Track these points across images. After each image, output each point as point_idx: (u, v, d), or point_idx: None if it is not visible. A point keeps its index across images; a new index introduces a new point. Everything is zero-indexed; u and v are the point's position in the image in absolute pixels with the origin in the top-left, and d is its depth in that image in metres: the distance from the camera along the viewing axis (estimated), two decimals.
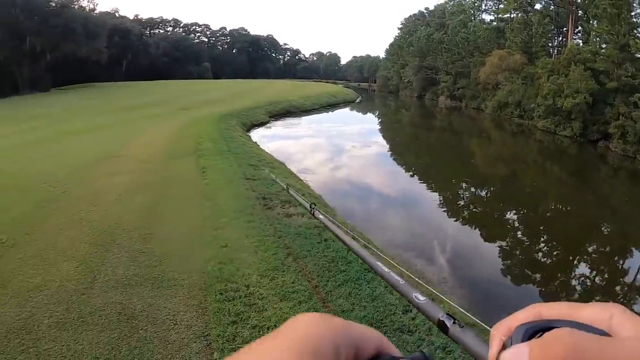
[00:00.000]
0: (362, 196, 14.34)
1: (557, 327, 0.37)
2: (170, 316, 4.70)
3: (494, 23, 52.42)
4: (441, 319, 0.85)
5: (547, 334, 0.36)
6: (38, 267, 5.88)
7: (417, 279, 6.03)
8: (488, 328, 0.46)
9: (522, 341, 0.39)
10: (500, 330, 0.43)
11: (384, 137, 30.56)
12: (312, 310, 3.99)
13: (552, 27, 40.45)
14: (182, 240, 6.75)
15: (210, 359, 4.06)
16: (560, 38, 42.05)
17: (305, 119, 35.26)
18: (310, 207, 2.19)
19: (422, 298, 0.94)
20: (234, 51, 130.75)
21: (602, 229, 13.10)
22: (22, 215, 7.96)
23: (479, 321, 1.08)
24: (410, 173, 18.94)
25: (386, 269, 1.14)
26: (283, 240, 6.83)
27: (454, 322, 0.82)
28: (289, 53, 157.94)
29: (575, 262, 10.23)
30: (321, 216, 2.04)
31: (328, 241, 6.99)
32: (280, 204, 8.74)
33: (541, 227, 12.45)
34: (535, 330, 0.39)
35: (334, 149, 22.71)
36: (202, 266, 5.80)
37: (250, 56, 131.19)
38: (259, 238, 6.80)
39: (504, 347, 0.41)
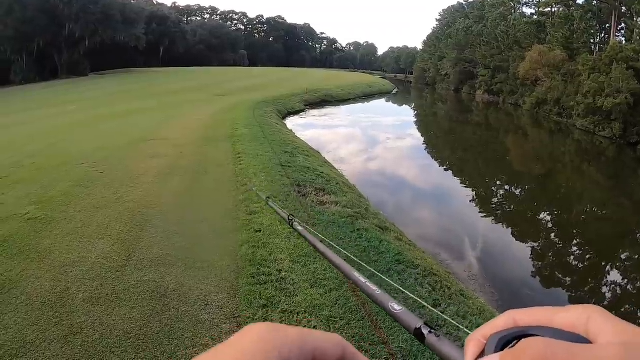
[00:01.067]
0: (395, 188, 14.24)
1: (531, 335, 0.38)
2: (201, 296, 4.71)
3: (535, 17, 50.47)
4: (417, 327, 0.81)
5: (518, 344, 0.36)
6: (74, 243, 5.97)
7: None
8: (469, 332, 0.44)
9: (496, 351, 0.38)
10: (474, 339, 0.43)
11: (419, 130, 30.24)
12: (342, 299, 3.96)
13: (595, 23, 38.87)
14: (216, 223, 6.77)
15: None
16: (603, 35, 40.17)
17: (341, 108, 35.12)
18: (289, 218, 2.18)
19: (398, 307, 0.92)
20: (270, 39, 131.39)
21: (638, 235, 12.68)
22: (61, 193, 8.10)
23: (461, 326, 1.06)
24: (444, 167, 18.72)
25: (362, 279, 1.11)
26: (316, 227, 6.79)
27: (430, 331, 0.79)
28: (325, 42, 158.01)
29: (607, 268, 9.93)
30: (300, 227, 2.02)
31: (361, 231, 6.94)
32: (315, 192, 8.70)
33: (574, 230, 12.14)
34: (508, 340, 0.39)
35: (369, 140, 22.60)
36: (235, 249, 5.80)
37: (286, 45, 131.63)
38: None
39: (481, 355, 0.41)
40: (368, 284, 1.09)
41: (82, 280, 4.96)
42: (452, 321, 1.31)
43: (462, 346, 0.47)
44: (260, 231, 6.37)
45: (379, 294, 1.03)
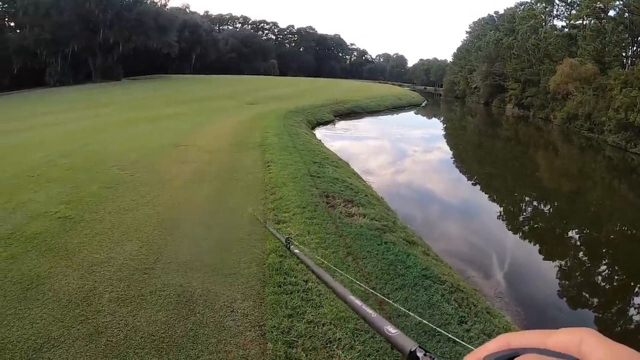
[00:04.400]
0: (422, 202, 14.10)
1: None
2: (227, 303, 4.68)
3: (566, 29, 49.61)
4: (412, 350, 0.78)
5: None
6: (103, 244, 6.01)
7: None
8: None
9: None
10: None
11: (447, 143, 29.95)
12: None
13: (627, 36, 37.67)
14: (244, 230, 6.74)
15: (264, 349, 4.00)
16: (635, 48, 39.17)
17: (370, 119, 35.03)
18: (286, 241, 2.16)
19: (393, 331, 0.91)
20: (300, 49, 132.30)
21: None
22: (91, 194, 8.18)
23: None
24: (472, 182, 18.48)
25: (358, 302, 1.10)
26: (344, 239, 6.72)
27: (425, 354, 0.77)
28: (355, 53, 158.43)
29: (637, 289, 9.65)
30: (297, 250, 2.00)
31: (388, 244, 6.84)
32: (343, 203, 8.63)
33: (603, 250, 11.81)
34: None
35: (397, 152, 22.48)
36: (262, 258, 5.76)
37: (317, 55, 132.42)
38: (320, 235, 6.71)
39: None
40: (364, 307, 1.08)
41: (109, 281, 4.97)
42: (450, 335, 1.28)
43: None
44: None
45: (375, 317, 1.02)
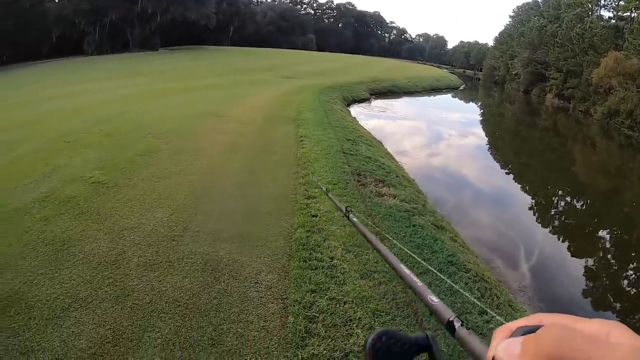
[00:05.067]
0: (454, 187, 13.90)
1: None
2: (252, 274, 4.72)
3: (613, 21, 47.18)
4: (450, 319, 0.80)
5: (540, 329, 0.38)
6: (134, 210, 6.11)
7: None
8: None
9: None
10: (502, 330, 0.45)
11: (483, 129, 29.33)
12: (390, 294, 3.88)
13: None
14: (274, 204, 6.76)
15: (285, 322, 4.03)
16: None
17: (407, 100, 34.57)
18: (346, 209, 2.15)
19: (435, 300, 0.93)
20: (339, 25, 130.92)
21: None
22: (125, 161, 8.30)
23: None
24: (506, 170, 18.12)
25: (407, 271, 1.10)
26: (372, 218, 6.69)
27: (461, 325, 0.76)
28: (394, 32, 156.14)
29: None
30: (355, 219, 1.99)
31: (416, 227, 6.78)
32: (374, 182, 8.57)
33: (634, 253, 11.50)
34: (532, 330, 0.40)
35: (432, 135, 22.18)
36: (290, 232, 5.79)
37: (355, 31, 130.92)
38: None
39: None
40: (412, 275, 1.09)
41: (139, 246, 5.07)
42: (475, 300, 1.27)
43: (489, 343, 0.48)
44: (316, 216, 6.33)
45: (420, 286, 1.03)
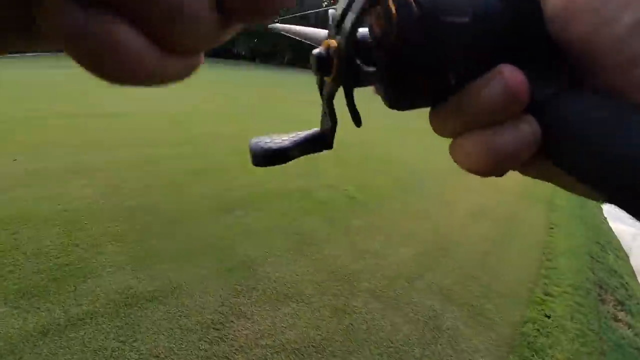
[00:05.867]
0: None
1: None
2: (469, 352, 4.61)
3: None
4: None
5: None
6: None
7: None
8: None
9: None
10: None
11: None
12: None
13: None
14: (509, 286, 6.53)
15: None
16: None
17: None
18: None
19: None
20: None
21: None
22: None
23: None
24: None
25: None
26: (601, 343, 6.06)
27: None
28: None
29: None
30: None
31: None
32: (613, 302, 7.74)
33: None
34: None
35: None
36: (518, 322, 5.52)
37: None
38: (581, 327, 6.15)
39: None
40: None
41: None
42: None
43: None
44: (549, 317, 5.92)
45: None
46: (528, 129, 0.33)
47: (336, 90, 0.39)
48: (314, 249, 5.28)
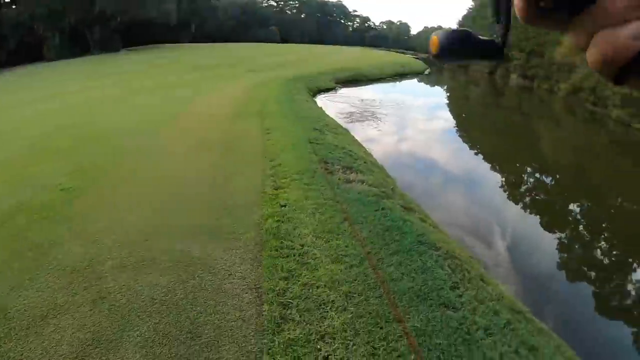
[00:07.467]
0: (423, 170, 14.04)
1: None
2: (225, 267, 4.82)
3: None
4: None
5: None
6: (104, 214, 6.14)
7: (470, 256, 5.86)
8: None
9: None
10: None
11: (450, 112, 29.67)
12: (362, 276, 4.03)
13: None
14: (243, 196, 6.84)
15: (260, 310, 4.14)
16: None
17: (372, 87, 34.59)
18: None
19: None
20: (302, 16, 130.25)
21: None
22: (92, 165, 8.30)
23: None
24: (474, 151, 18.33)
25: None
26: (341, 204, 6.81)
27: None
28: (358, 20, 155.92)
29: (635, 265, 9.62)
30: None
31: (385, 210, 6.91)
32: (342, 170, 8.68)
33: (604, 224, 11.75)
34: None
35: (399, 120, 22.28)
36: (260, 222, 5.89)
37: (319, 22, 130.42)
38: (318, 201, 6.77)
39: None
40: None
41: (111, 249, 5.13)
42: None
43: None
44: (285, 206, 6.44)
45: None
46: None
47: None
48: (47, 258, 4.93)
